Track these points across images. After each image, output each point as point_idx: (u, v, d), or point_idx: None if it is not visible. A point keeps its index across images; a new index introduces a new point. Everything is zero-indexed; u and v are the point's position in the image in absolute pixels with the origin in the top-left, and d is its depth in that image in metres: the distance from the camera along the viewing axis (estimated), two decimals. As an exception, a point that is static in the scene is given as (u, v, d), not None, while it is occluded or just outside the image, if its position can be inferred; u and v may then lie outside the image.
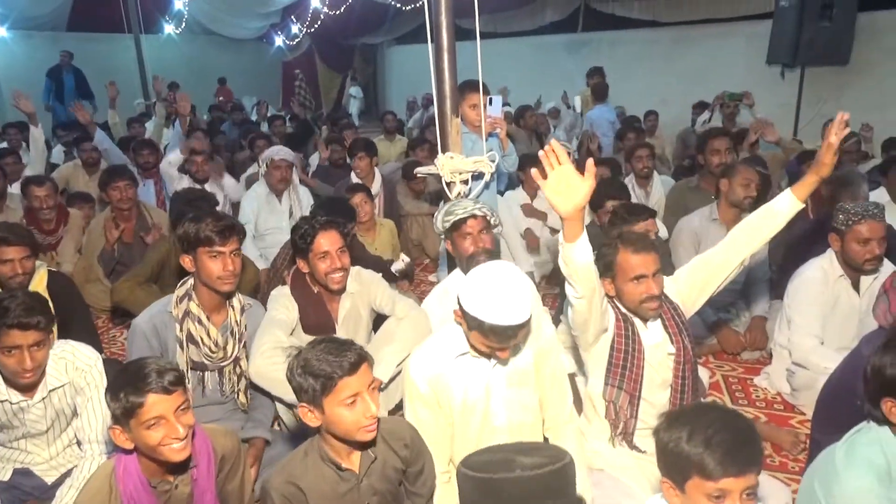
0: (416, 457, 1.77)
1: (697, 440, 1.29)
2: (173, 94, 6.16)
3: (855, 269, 2.76)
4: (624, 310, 2.13)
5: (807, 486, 1.68)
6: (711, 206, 3.51)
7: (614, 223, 2.95)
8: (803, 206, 2.06)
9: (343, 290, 2.52)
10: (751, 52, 7.47)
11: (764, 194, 3.94)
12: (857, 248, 2.68)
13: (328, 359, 1.53)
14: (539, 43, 10.67)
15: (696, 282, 2.20)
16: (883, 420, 1.55)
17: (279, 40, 13.81)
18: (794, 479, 2.41)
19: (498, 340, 1.75)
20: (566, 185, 1.67)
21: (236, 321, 2.35)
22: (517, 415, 1.99)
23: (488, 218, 2.55)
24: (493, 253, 2.51)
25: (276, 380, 2.25)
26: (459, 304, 1.77)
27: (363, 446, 1.65)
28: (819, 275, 2.81)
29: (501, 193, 4.32)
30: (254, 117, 10.09)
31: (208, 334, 2.28)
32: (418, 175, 3.15)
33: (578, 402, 2.33)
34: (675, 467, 1.35)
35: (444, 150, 2.77)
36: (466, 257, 2.47)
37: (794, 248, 3.40)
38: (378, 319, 2.72)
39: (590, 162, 1.70)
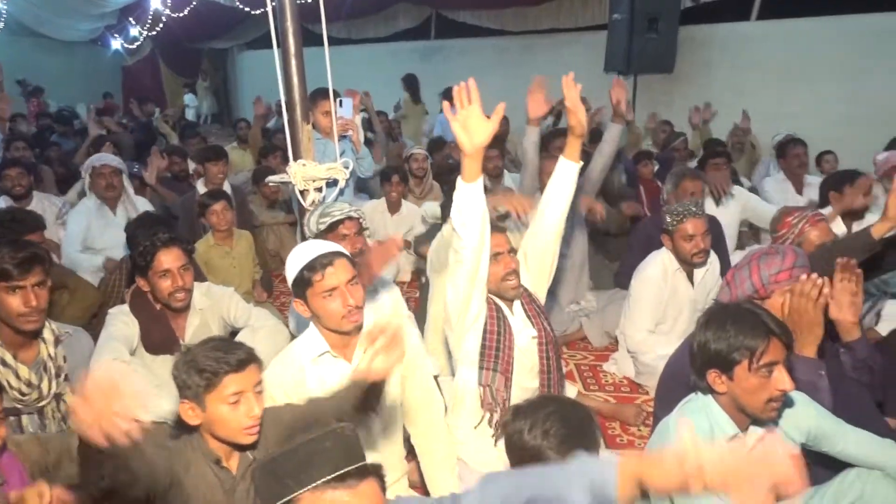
0: None
1: (536, 432, 1.39)
2: (36, 101, 5.46)
3: (687, 264, 3.04)
4: (489, 294, 2.22)
5: (647, 457, 1.83)
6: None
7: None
8: (579, 164, 2.26)
9: (186, 307, 2.41)
10: (591, 61, 7.95)
11: (585, 167, 4.23)
12: (684, 244, 2.96)
13: (215, 355, 1.51)
14: (393, 50, 10.75)
15: (534, 263, 2.36)
16: (708, 390, 1.72)
17: (116, 43, 12.88)
18: (641, 454, 2.62)
19: (327, 278, 1.84)
20: (472, 124, 1.80)
21: (50, 355, 2.07)
22: (377, 419, 2.01)
23: (361, 221, 2.57)
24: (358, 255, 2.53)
25: None
26: (291, 288, 1.90)
27: (243, 448, 1.62)
28: (659, 270, 3.08)
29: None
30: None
31: (17, 376, 1.98)
32: (270, 184, 3.07)
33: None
34: (519, 458, 1.44)
35: (295, 158, 2.72)
36: None
37: (634, 245, 3.69)
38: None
39: (500, 106, 1.86)
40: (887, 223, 2.33)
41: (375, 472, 1.15)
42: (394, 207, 4.65)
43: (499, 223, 2.32)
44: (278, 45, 2.61)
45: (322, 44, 2.73)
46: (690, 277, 3.10)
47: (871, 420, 2.01)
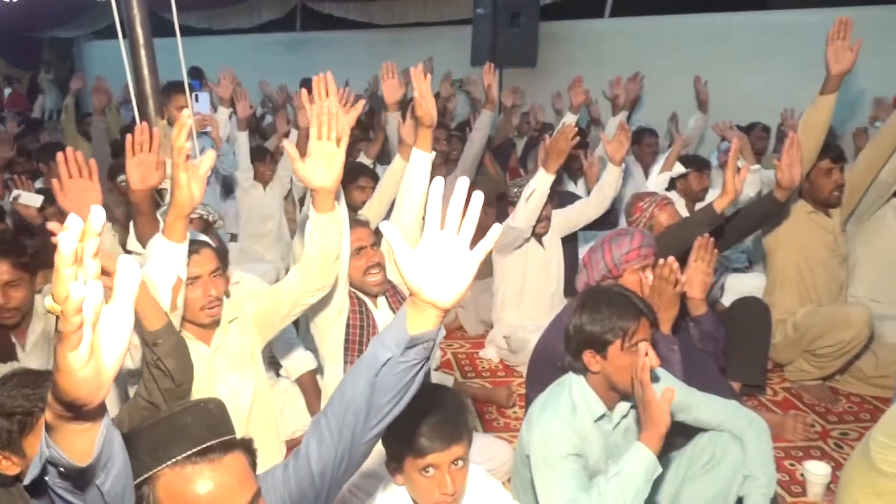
0: None
1: (406, 422, 1.40)
2: None
3: (533, 233, 3.30)
4: (353, 289, 2.22)
5: (520, 436, 1.91)
6: None
7: None
8: (432, 154, 2.31)
9: (16, 325, 2.21)
10: (458, 55, 8.09)
11: (458, 156, 4.35)
12: None
13: (23, 392, 1.36)
14: (259, 41, 10.37)
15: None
16: (582, 370, 1.81)
17: (-63, 30, 11.50)
18: (517, 437, 2.71)
19: (191, 266, 1.78)
20: (324, 159, 1.74)
21: None
22: (244, 401, 2.00)
23: (206, 217, 2.50)
24: (221, 250, 2.46)
25: None
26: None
27: None
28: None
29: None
30: None
31: None
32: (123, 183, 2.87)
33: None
34: (392, 450, 1.44)
35: (150, 155, 2.56)
36: None
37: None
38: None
39: (360, 102, 1.96)
40: (727, 197, 2.57)
41: (244, 446, 1.11)
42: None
43: (359, 217, 2.32)
44: (125, 36, 2.45)
45: (181, 34, 2.59)
46: (540, 241, 3.37)
47: (717, 386, 2.21)
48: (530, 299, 3.38)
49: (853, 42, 2.70)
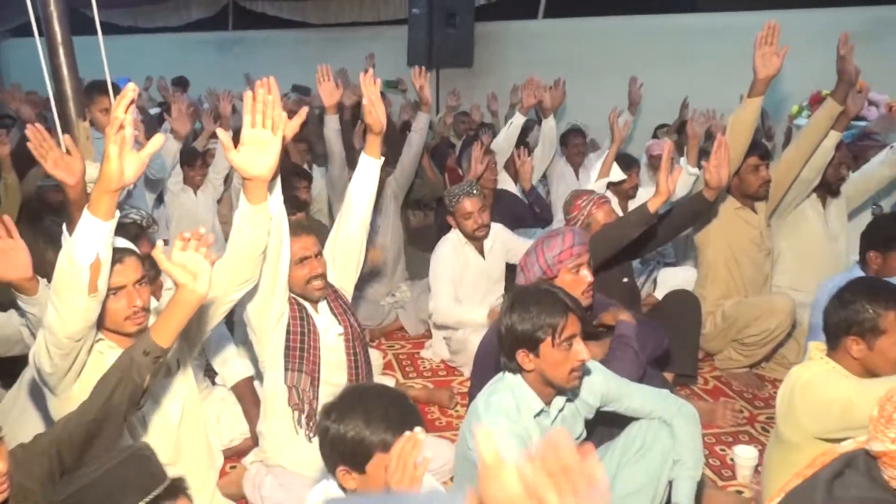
0: None
1: (377, 422, 1.40)
2: None
3: (472, 238, 3.29)
4: (293, 295, 2.19)
5: (461, 434, 1.93)
6: None
7: None
8: (380, 160, 2.29)
9: None
10: (395, 55, 8.06)
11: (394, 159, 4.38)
12: (464, 221, 3.22)
13: None
14: (187, 40, 10.07)
15: (342, 258, 2.38)
16: (517, 369, 1.83)
17: None
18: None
19: (115, 276, 1.70)
20: (258, 147, 1.68)
21: None
22: (173, 413, 1.97)
23: (139, 222, 2.44)
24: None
25: None
26: None
27: None
28: (449, 247, 3.30)
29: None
30: None
31: None
32: (42, 188, 2.75)
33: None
34: (354, 453, 1.42)
35: (72, 159, 2.45)
36: None
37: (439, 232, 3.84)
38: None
39: (303, 110, 1.95)
40: (661, 197, 2.64)
41: (182, 488, 1.07)
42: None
43: (305, 224, 2.29)
44: (41, 33, 2.34)
45: (105, 32, 2.49)
46: (481, 250, 3.35)
47: (650, 376, 2.29)
48: (465, 299, 3.38)
49: (780, 47, 2.82)
